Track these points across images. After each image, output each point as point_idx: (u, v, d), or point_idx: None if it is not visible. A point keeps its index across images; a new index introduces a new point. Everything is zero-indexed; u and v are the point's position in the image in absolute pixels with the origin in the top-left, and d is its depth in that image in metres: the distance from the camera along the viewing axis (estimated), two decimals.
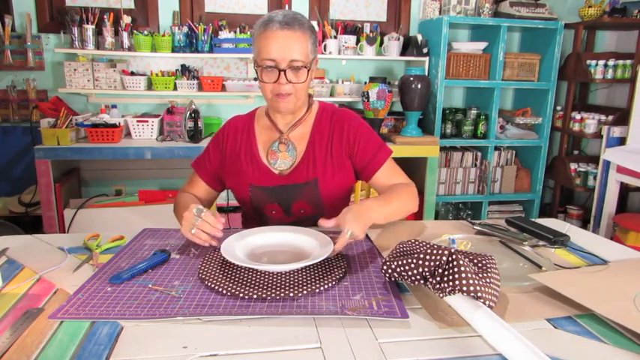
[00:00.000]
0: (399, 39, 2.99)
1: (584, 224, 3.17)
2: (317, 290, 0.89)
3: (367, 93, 2.76)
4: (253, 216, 1.37)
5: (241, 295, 0.87)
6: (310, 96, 1.36)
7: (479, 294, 0.79)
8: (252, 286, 0.91)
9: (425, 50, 2.99)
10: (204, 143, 2.62)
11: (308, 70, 1.20)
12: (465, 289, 0.79)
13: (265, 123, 1.34)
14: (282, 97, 1.20)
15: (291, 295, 0.87)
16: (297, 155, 1.30)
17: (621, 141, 2.84)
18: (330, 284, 0.92)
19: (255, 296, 0.87)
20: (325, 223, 1.06)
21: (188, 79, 2.84)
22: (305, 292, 0.88)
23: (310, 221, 1.26)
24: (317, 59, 1.27)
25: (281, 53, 1.15)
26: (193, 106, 2.60)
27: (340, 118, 1.33)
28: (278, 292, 0.87)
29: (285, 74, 1.17)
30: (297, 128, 1.32)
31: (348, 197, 1.39)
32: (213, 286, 0.91)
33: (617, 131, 2.84)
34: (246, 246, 1.06)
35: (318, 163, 1.29)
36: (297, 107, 1.27)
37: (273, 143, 1.31)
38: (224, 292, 0.89)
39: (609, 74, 2.95)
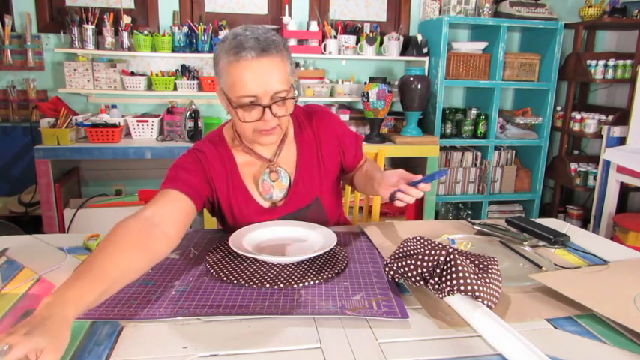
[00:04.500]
0: (399, 39, 2.99)
1: (584, 224, 3.17)
2: (321, 280, 0.93)
3: (367, 93, 2.76)
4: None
5: (247, 284, 0.90)
6: None
7: (476, 293, 0.79)
8: (258, 276, 0.93)
9: (425, 50, 2.99)
10: None
11: (295, 98, 1.05)
12: (462, 288, 0.79)
13: (243, 152, 1.17)
14: (266, 132, 1.04)
15: (296, 285, 0.90)
16: (291, 179, 1.19)
17: (621, 141, 2.84)
18: (332, 274, 0.95)
19: (259, 284, 0.90)
20: (386, 191, 1.04)
21: (188, 79, 2.84)
22: (308, 283, 0.91)
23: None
24: (296, 74, 1.15)
25: (262, 87, 0.98)
26: (193, 106, 2.60)
27: (320, 119, 1.23)
28: (284, 282, 0.90)
29: (270, 110, 1.00)
30: (284, 150, 1.18)
31: (341, 199, 1.37)
32: (219, 275, 0.94)
33: (617, 131, 2.84)
34: (253, 239, 1.09)
35: (314, 179, 1.21)
36: (280, 136, 1.14)
37: (263, 176, 1.16)
38: (229, 280, 0.92)
39: (609, 74, 2.95)
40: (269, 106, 1.00)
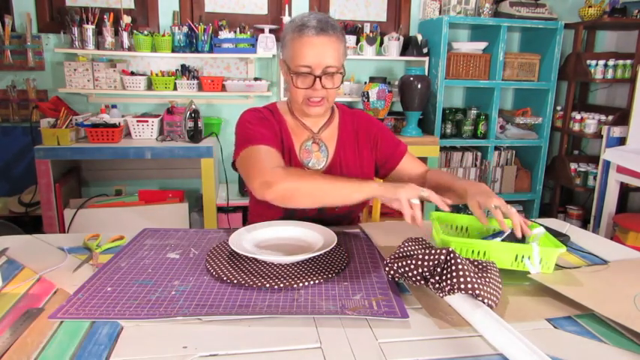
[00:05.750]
0: (399, 39, 2.99)
1: (584, 224, 3.17)
2: (321, 280, 0.93)
3: (367, 93, 2.76)
4: (276, 211, 1.24)
5: (247, 284, 0.90)
6: None
7: (477, 292, 0.79)
8: (258, 276, 0.93)
9: (425, 50, 2.99)
10: (204, 143, 2.62)
11: (342, 75, 1.21)
12: (462, 286, 0.79)
13: (293, 120, 1.32)
14: (314, 102, 1.21)
15: (296, 285, 0.90)
16: (329, 156, 1.31)
17: (621, 141, 2.84)
18: (332, 274, 0.95)
19: (259, 284, 0.90)
20: (501, 218, 1.04)
21: (188, 79, 2.84)
22: (308, 283, 0.91)
23: (338, 220, 1.30)
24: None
25: (317, 59, 1.16)
26: (193, 106, 2.60)
27: (360, 117, 1.38)
28: (284, 282, 0.90)
29: (320, 80, 1.18)
30: (328, 129, 1.32)
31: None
32: (219, 275, 0.94)
33: (617, 131, 2.84)
34: (253, 239, 1.10)
35: (350, 164, 1.32)
36: (327, 110, 1.29)
37: (306, 142, 1.30)
38: (229, 280, 0.92)
39: (609, 74, 2.95)
40: (319, 77, 1.17)
